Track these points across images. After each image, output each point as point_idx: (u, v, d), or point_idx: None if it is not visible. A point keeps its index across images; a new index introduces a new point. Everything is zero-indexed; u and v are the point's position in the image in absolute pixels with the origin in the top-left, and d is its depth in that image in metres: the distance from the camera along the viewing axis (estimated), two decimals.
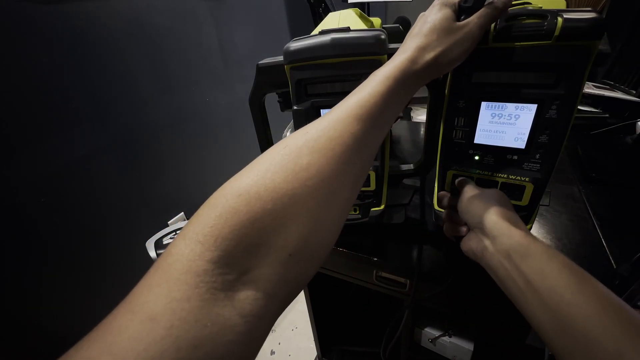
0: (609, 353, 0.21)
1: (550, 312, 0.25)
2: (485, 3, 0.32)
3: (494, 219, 0.32)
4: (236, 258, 0.18)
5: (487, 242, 0.32)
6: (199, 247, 0.18)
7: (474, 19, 0.31)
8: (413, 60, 0.29)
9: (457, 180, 0.42)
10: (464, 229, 0.39)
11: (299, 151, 0.22)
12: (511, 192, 0.40)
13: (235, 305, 0.18)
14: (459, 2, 0.32)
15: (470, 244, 0.35)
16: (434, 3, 0.32)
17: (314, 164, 0.22)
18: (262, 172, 0.21)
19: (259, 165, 0.22)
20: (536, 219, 0.47)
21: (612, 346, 0.21)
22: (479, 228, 0.34)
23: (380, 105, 0.26)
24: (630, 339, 0.21)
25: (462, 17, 0.32)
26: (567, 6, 0.37)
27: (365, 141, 0.25)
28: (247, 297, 0.18)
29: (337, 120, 0.24)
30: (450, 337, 0.73)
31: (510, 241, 0.30)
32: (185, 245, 0.18)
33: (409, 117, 2.34)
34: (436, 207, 0.48)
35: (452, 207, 0.41)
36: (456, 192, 0.41)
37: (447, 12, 0.31)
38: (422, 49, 0.29)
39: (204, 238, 0.18)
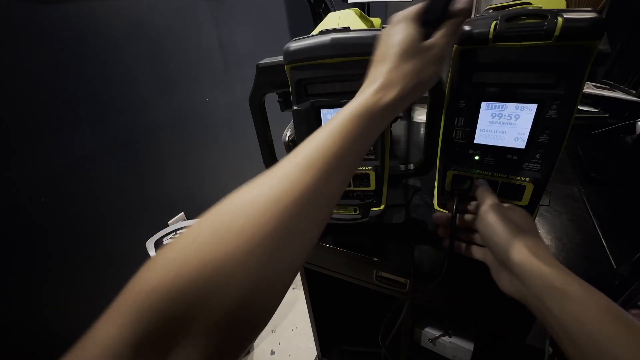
0: None
1: None
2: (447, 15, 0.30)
3: (523, 257, 0.29)
4: (157, 336, 0.17)
5: (518, 283, 0.30)
6: (121, 326, 0.16)
7: (438, 39, 0.29)
8: (379, 96, 0.26)
9: (477, 189, 0.38)
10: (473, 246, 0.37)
11: (233, 213, 0.20)
12: (511, 192, 0.40)
13: None
14: (422, 15, 0.29)
15: (505, 285, 0.32)
16: (395, 19, 0.29)
17: (249, 229, 0.20)
18: (190, 240, 0.19)
19: (187, 234, 0.20)
20: (536, 219, 0.47)
21: None
22: (505, 263, 0.31)
23: (337, 149, 0.23)
24: None
25: (427, 30, 0.29)
26: (567, 6, 0.37)
27: (318, 191, 0.22)
28: None
29: (284, 172, 0.22)
30: (450, 337, 0.73)
31: (540, 282, 0.27)
32: (107, 324, 0.17)
33: (409, 117, 2.34)
34: (436, 207, 0.48)
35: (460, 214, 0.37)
36: (462, 196, 0.41)
37: (410, 31, 0.28)
38: (388, 82, 0.27)
39: (123, 315, 0.17)
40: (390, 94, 0.26)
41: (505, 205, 0.37)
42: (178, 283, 0.18)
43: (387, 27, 0.30)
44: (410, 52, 0.27)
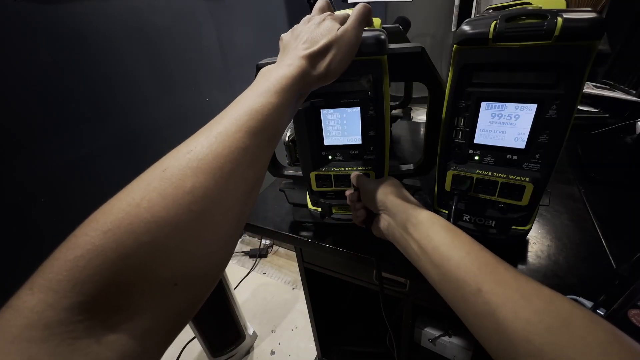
0: (473, 289, 0.26)
1: (436, 267, 0.30)
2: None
3: (391, 199, 0.38)
4: (104, 300, 0.16)
5: (390, 220, 0.38)
6: (51, 295, 0.15)
7: (351, 23, 0.33)
8: (306, 72, 0.29)
9: (352, 177, 0.45)
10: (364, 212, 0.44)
11: (182, 173, 0.20)
12: (511, 192, 0.40)
13: (107, 348, 0.16)
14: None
15: (379, 225, 0.41)
16: (322, 15, 0.34)
17: (200, 187, 0.20)
18: (137, 201, 0.18)
19: (132, 194, 0.19)
20: (536, 219, 0.47)
21: (474, 284, 0.26)
22: (382, 210, 0.39)
23: (274, 118, 0.25)
24: (486, 275, 0.26)
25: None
26: (567, 6, 0.37)
27: (257, 155, 0.24)
28: (120, 339, 0.17)
29: (225, 134, 0.23)
30: (450, 337, 0.73)
31: (404, 215, 0.35)
32: (32, 295, 0.15)
33: (409, 117, 2.34)
34: (436, 207, 0.48)
35: (356, 201, 0.45)
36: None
37: (334, 22, 0.32)
38: (314, 59, 0.30)
39: (58, 285, 0.16)
40: (314, 75, 0.30)
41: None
42: (128, 246, 0.17)
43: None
44: (332, 39, 0.31)
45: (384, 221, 0.39)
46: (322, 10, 0.36)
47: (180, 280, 0.19)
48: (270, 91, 0.26)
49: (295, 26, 0.34)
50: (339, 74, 0.33)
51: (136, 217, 0.18)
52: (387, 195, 0.39)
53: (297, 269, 0.73)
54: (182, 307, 0.20)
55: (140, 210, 0.18)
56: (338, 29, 0.32)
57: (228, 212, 0.22)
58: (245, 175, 0.23)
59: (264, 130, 0.24)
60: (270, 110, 0.25)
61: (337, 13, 0.35)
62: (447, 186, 0.44)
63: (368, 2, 0.36)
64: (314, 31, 0.32)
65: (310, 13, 0.36)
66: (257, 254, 1.59)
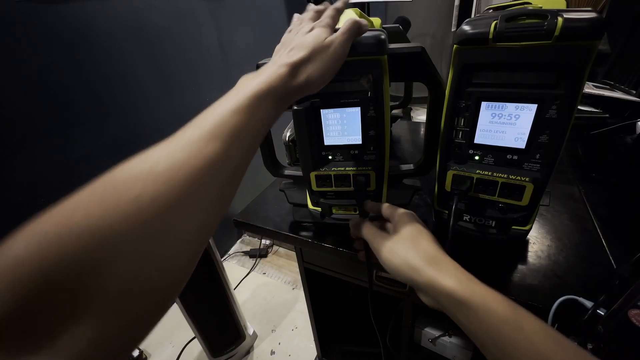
0: None
1: None
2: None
3: (425, 279, 0.31)
4: (14, 323, 0.14)
5: (434, 302, 0.32)
6: None
7: (339, 36, 0.32)
8: (285, 79, 0.28)
9: (359, 231, 0.40)
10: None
11: (129, 180, 0.18)
12: (511, 192, 0.40)
13: None
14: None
15: (425, 300, 0.34)
16: (312, 24, 0.33)
17: (147, 195, 0.18)
18: (73, 207, 0.17)
19: (70, 202, 0.17)
20: (536, 219, 0.47)
21: None
22: (417, 289, 0.33)
23: (243, 123, 0.24)
24: None
25: None
26: (567, 6, 0.37)
27: (223, 162, 0.22)
28: None
29: (187, 140, 0.21)
30: (450, 337, 0.73)
31: (448, 300, 0.29)
32: None
33: (409, 117, 2.34)
34: (436, 207, 0.48)
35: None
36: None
37: (322, 32, 0.32)
38: (295, 68, 0.29)
39: None
40: (293, 83, 0.29)
41: (389, 218, 0.39)
42: (54, 256, 0.15)
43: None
44: (315, 48, 0.31)
45: (427, 298, 0.33)
46: (317, 12, 0.35)
47: (115, 304, 0.17)
48: (243, 96, 0.25)
49: (286, 34, 0.35)
50: (320, 85, 0.32)
51: (66, 226, 0.16)
52: (410, 266, 0.32)
53: (297, 269, 0.73)
54: (113, 337, 0.17)
55: (76, 216, 0.16)
56: (325, 39, 0.31)
57: (185, 222, 0.20)
58: (205, 183, 0.21)
59: (230, 135, 0.23)
60: (239, 115, 0.24)
61: (343, 13, 0.35)
62: (447, 186, 0.44)
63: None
64: (300, 39, 0.31)
65: None
66: (257, 254, 1.59)
